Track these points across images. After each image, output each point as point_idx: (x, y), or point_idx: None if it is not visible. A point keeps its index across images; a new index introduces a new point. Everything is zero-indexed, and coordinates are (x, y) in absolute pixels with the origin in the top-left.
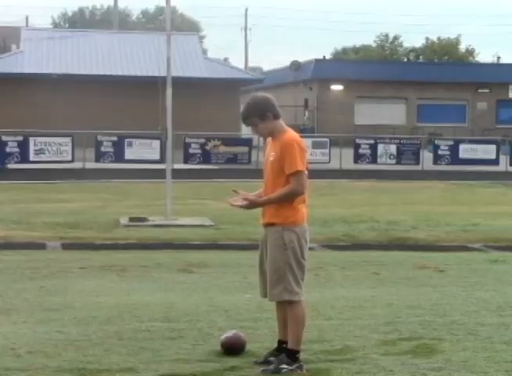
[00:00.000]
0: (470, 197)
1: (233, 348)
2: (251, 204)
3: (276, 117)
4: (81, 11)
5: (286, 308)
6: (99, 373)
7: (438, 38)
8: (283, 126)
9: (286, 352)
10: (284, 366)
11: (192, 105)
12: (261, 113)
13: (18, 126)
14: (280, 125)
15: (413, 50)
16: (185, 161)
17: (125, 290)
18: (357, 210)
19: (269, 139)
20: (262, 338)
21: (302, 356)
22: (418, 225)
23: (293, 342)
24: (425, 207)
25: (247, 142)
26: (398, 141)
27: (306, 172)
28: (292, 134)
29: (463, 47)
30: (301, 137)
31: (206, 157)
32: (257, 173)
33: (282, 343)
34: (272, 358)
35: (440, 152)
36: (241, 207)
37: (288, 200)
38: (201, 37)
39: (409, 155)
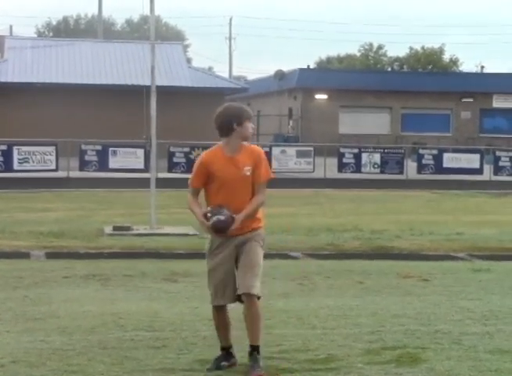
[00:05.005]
0: (454, 206)
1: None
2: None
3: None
4: (66, 20)
5: (251, 304)
6: None
7: (422, 48)
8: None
9: (256, 350)
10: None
11: (177, 114)
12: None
13: (2, 135)
14: None
15: (397, 59)
16: (170, 170)
17: (109, 299)
18: (341, 219)
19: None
20: (245, 347)
21: (286, 365)
22: (402, 234)
23: (260, 338)
24: (409, 216)
25: None
26: (382, 150)
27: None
28: None
29: (447, 56)
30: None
31: (190, 165)
32: None
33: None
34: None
35: (424, 161)
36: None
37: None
38: (186, 47)
39: (393, 164)
